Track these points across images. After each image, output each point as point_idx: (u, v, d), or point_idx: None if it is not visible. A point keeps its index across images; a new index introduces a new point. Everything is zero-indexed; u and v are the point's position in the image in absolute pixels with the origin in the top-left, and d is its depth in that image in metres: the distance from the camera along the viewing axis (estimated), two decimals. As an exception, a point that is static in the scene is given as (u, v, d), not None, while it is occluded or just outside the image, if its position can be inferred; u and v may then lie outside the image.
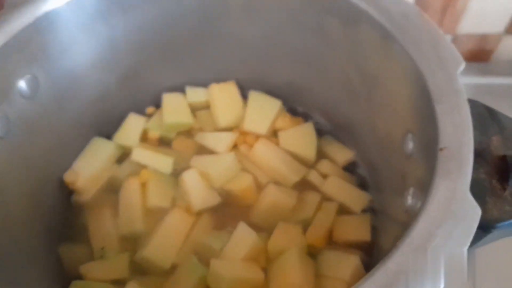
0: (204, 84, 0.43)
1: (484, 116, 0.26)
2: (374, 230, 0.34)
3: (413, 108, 0.28)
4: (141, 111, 0.42)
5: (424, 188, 0.23)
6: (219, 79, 0.43)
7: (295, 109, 0.44)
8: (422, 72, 0.26)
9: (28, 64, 0.31)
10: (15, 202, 0.31)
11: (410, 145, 0.28)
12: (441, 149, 0.21)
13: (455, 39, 0.57)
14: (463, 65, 0.25)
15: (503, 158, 0.24)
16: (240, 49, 0.40)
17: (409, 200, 0.25)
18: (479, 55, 0.60)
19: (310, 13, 0.34)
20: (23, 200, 0.32)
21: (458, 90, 0.24)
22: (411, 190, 0.26)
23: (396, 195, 0.28)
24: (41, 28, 0.30)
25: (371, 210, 0.36)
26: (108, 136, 0.40)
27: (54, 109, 0.34)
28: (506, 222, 0.23)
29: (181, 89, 0.43)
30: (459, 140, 0.22)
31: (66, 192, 0.37)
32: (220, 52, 0.41)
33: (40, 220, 0.34)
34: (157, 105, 0.43)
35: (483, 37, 0.57)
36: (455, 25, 0.55)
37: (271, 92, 0.43)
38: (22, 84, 0.30)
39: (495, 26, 0.55)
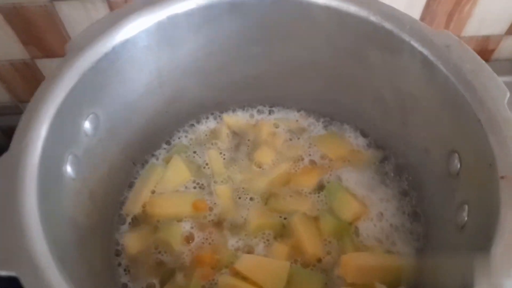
0: (239, 101, 0.45)
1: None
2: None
3: (458, 130, 0.31)
4: (182, 127, 0.45)
5: (483, 208, 0.26)
6: (254, 97, 0.46)
7: (330, 120, 0.46)
8: (469, 101, 0.29)
9: (91, 104, 0.32)
10: (84, 226, 0.32)
11: (456, 164, 0.31)
12: (501, 177, 0.24)
13: (460, 41, 0.60)
14: (508, 94, 0.28)
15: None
16: (276, 69, 0.42)
17: (465, 218, 0.28)
18: (481, 55, 0.63)
19: (347, 38, 0.36)
20: (89, 224, 0.33)
21: (508, 119, 0.26)
22: (466, 208, 0.28)
23: (448, 211, 0.31)
24: (102, 68, 0.31)
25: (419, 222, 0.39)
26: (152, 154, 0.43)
27: (108, 140, 0.36)
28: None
29: (218, 108, 0.45)
30: (517, 169, 0.24)
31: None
32: (254, 73, 0.43)
33: (101, 239, 0.35)
34: (198, 120, 0.45)
35: (486, 39, 0.60)
36: (461, 29, 0.58)
37: (304, 107, 0.46)
38: (86, 124, 0.32)
39: (497, 28, 0.59)
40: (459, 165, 0.30)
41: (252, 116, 0.47)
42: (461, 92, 0.29)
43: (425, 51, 0.31)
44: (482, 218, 0.25)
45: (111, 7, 0.52)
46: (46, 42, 0.56)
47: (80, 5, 0.51)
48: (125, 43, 0.32)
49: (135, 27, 0.32)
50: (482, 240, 0.25)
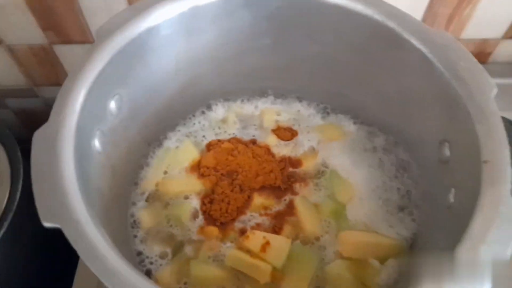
0: (246, 90, 0.49)
1: (509, 129, 0.32)
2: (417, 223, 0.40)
3: (450, 122, 0.34)
4: (194, 112, 0.48)
5: (467, 190, 0.29)
6: (260, 87, 0.49)
7: (329, 111, 0.49)
8: (460, 94, 0.32)
9: (117, 86, 0.35)
10: (107, 197, 0.35)
11: (446, 152, 0.34)
12: (485, 162, 0.27)
13: (458, 43, 0.63)
14: (495, 90, 0.31)
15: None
16: (282, 61, 0.45)
17: (451, 199, 0.31)
18: (479, 57, 0.66)
19: (354, 35, 0.39)
20: (111, 196, 0.36)
21: (494, 111, 0.30)
22: (452, 191, 0.32)
23: (436, 193, 0.34)
24: (128, 52, 0.34)
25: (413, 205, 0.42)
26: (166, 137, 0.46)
27: (128, 121, 0.39)
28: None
29: (226, 95, 0.49)
30: (499, 155, 0.28)
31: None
32: (263, 64, 0.45)
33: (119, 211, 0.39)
34: (208, 107, 0.48)
35: (484, 41, 0.63)
36: (460, 31, 0.61)
37: (305, 98, 0.49)
38: (112, 104, 0.35)
39: (494, 32, 0.61)
40: (449, 153, 0.34)
41: (256, 107, 0.50)
42: (454, 87, 0.32)
43: (424, 49, 0.34)
44: (467, 198, 0.29)
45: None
46: (65, 28, 0.59)
47: (100, -6, 0.54)
48: (149, 31, 0.35)
49: (159, 17, 0.35)
50: (467, 218, 0.28)
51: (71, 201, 0.25)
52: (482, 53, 0.65)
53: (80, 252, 0.23)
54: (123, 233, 0.38)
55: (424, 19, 0.58)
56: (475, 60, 0.33)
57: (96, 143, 0.32)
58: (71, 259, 0.46)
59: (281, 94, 0.50)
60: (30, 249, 0.54)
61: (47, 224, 0.23)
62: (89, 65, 0.31)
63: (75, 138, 0.28)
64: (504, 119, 0.32)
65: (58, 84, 0.68)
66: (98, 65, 0.32)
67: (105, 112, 0.34)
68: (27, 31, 0.59)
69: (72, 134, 0.28)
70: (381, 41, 0.37)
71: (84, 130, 0.30)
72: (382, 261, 0.37)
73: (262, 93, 0.50)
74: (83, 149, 0.30)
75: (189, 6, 0.36)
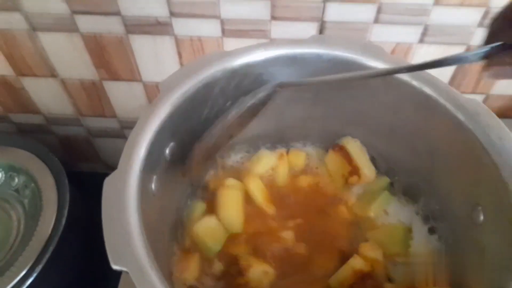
0: (285, 137, 0.52)
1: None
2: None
3: (482, 186, 0.36)
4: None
5: (500, 253, 0.31)
6: (298, 135, 0.52)
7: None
8: (495, 161, 0.34)
9: (172, 135, 0.38)
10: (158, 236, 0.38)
11: (480, 217, 0.35)
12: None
13: (487, 98, 0.65)
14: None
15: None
16: (320, 113, 0.48)
17: (484, 260, 0.33)
18: (508, 112, 0.68)
19: (390, 96, 0.42)
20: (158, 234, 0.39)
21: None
22: (485, 252, 0.33)
23: (466, 253, 0.36)
24: (185, 105, 0.38)
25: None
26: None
27: (177, 164, 0.42)
28: None
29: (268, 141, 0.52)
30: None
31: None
32: (302, 115, 0.49)
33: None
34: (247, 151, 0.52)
35: (513, 97, 0.65)
36: (489, 88, 0.63)
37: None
38: (167, 151, 0.38)
39: (525, 87, 0.63)
40: (482, 217, 0.35)
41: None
42: (489, 154, 0.34)
43: (459, 115, 0.36)
44: (501, 265, 0.30)
45: (177, 43, 0.59)
46: (115, 67, 0.64)
47: (151, 39, 0.59)
48: (205, 86, 0.38)
49: (214, 73, 0.39)
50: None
51: (135, 247, 0.28)
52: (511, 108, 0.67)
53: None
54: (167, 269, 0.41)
55: (455, 75, 0.61)
56: (506, 129, 0.35)
57: (153, 186, 0.35)
58: (111, 284, 0.49)
59: (311, 143, 0.53)
60: (74, 274, 0.57)
61: (115, 267, 0.26)
62: (154, 116, 0.35)
63: (138, 184, 0.31)
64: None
65: (103, 115, 0.73)
66: (159, 118, 0.35)
67: (161, 159, 0.37)
68: (81, 67, 0.64)
69: (136, 180, 0.31)
70: (416, 104, 0.40)
71: (145, 176, 0.33)
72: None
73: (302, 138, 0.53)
74: (144, 194, 0.33)
75: (240, 64, 0.40)
